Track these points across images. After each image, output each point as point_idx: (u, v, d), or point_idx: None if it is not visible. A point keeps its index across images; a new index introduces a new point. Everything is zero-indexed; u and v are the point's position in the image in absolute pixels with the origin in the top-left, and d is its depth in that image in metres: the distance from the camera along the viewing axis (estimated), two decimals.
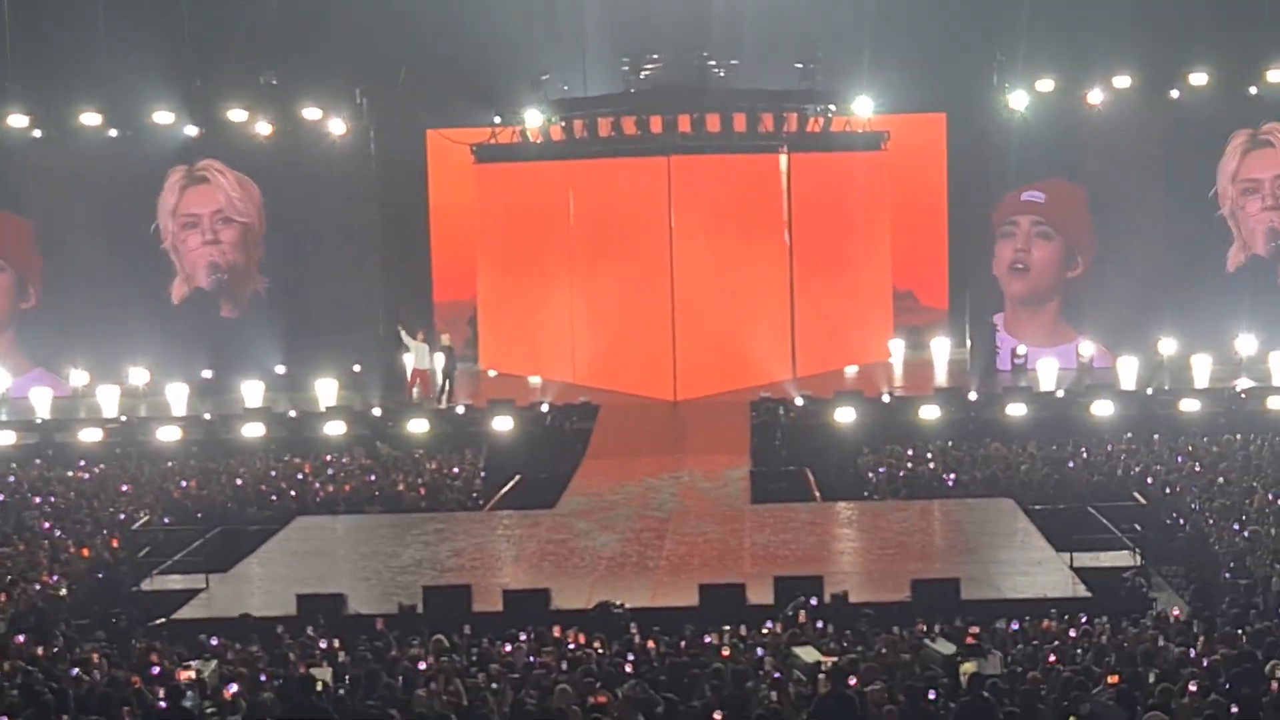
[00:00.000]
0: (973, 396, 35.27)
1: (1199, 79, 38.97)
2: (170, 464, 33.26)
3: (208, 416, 35.94)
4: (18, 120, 40.16)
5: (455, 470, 32.62)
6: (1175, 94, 39.36)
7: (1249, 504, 27.05)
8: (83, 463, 33.46)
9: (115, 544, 27.60)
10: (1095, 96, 39.40)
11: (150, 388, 39.86)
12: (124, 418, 36.20)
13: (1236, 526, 25.80)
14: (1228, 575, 24.41)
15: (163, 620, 23.61)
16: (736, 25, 40.16)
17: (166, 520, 29.72)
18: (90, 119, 40.12)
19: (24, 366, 41.20)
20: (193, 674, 18.10)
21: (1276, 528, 25.45)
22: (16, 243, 41.37)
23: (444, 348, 37.60)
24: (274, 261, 41.09)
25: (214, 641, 20.67)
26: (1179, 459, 30.86)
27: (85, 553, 26.69)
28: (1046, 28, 39.17)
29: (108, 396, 38.23)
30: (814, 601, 22.24)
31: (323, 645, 20.32)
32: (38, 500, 30.36)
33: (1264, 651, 17.94)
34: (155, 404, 38.42)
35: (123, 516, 29.13)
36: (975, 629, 19.94)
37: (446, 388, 37.14)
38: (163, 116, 40.00)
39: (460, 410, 35.70)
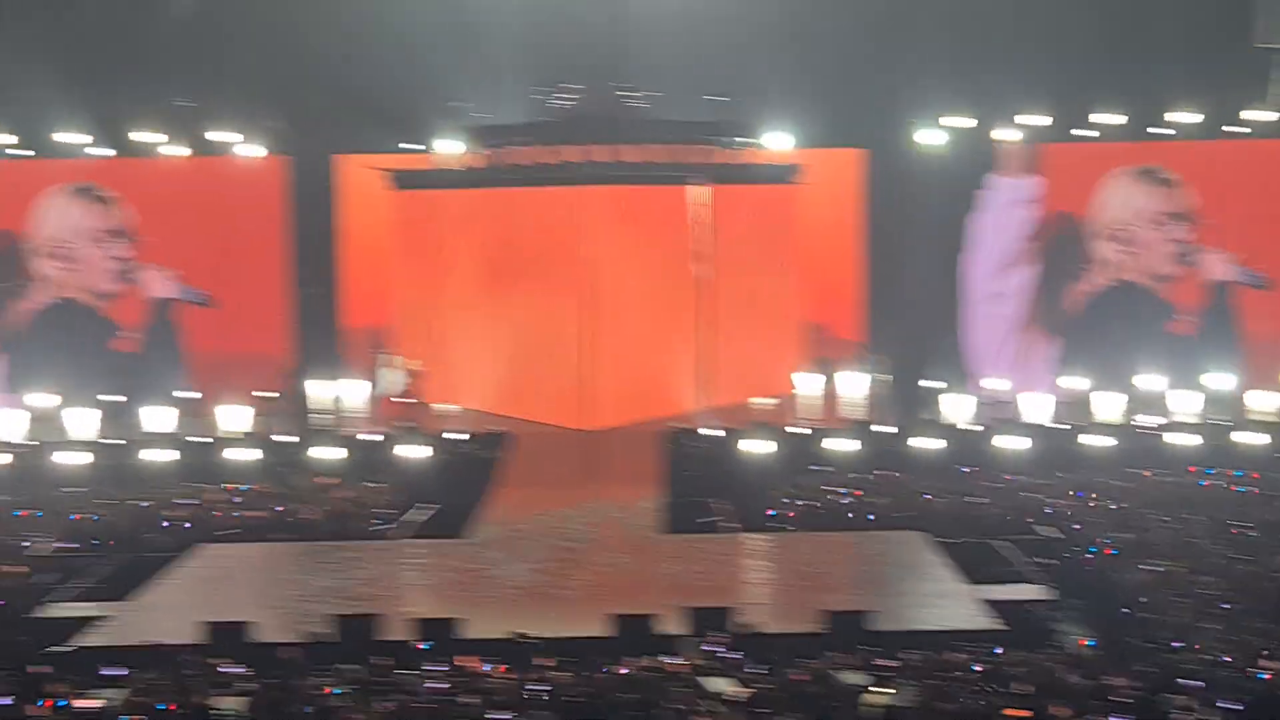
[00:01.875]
0: (884, 429, 35.41)
1: (1108, 118, 39.51)
2: (83, 489, 32.82)
3: (111, 441, 35.50)
4: None
5: (365, 498, 32.38)
6: (1081, 133, 39.93)
7: (1154, 539, 27.29)
8: None
9: (15, 570, 27.18)
10: (1002, 134, 39.86)
11: (55, 410, 39.33)
12: (29, 441, 35.71)
13: (1142, 561, 26.01)
14: (1133, 609, 24.58)
15: (62, 647, 23.25)
16: (654, 57, 40.22)
17: (69, 546, 29.30)
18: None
19: None
20: (94, 703, 17.84)
21: (1181, 562, 25.67)
22: None
23: (409, 370, 37.30)
24: (188, 282, 40.74)
25: (119, 670, 20.37)
26: (1084, 493, 31.10)
27: None
28: (958, 65, 39.56)
29: (12, 420, 37.70)
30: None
31: (230, 673, 20.07)
32: None
33: (1168, 684, 18.10)
34: (59, 428, 37.90)
35: (25, 543, 28.71)
36: (886, 661, 19.96)
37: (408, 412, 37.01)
38: (69, 137, 39.57)
39: (370, 438, 35.45)
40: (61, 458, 34.50)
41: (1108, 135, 39.97)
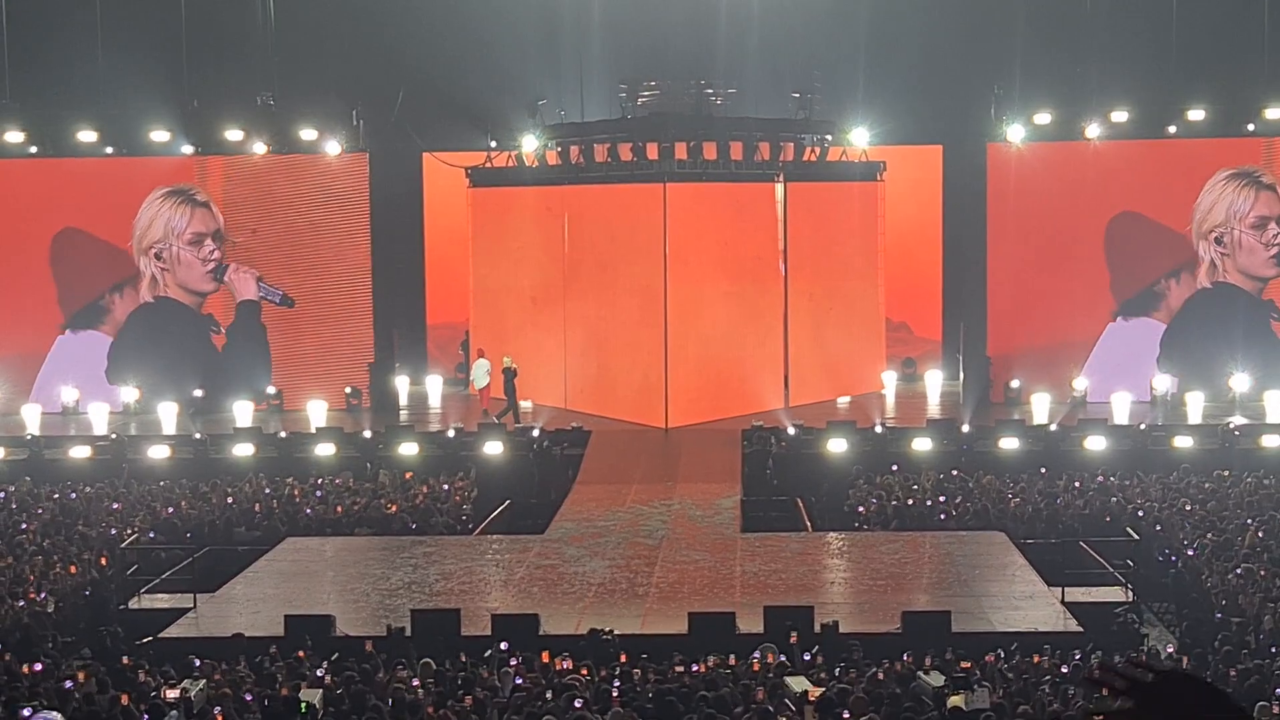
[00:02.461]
0: (965, 429, 35.20)
1: (1196, 114, 39.14)
2: (161, 482, 33.16)
3: (198, 436, 35.85)
4: (14, 136, 40.15)
5: (445, 493, 32.54)
6: (1172, 129, 39.56)
7: (1241, 541, 27.00)
8: (70, 481, 33.35)
9: (104, 562, 27.51)
10: (1093, 131, 39.56)
11: (140, 405, 39.79)
12: (114, 435, 36.10)
13: (1229, 564, 25.74)
14: (1219, 613, 24.35)
15: (149, 639, 23.49)
16: (735, 54, 40.22)
17: (155, 539, 29.61)
18: (87, 136, 40.14)
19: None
20: (178, 693, 18.01)
21: (1268, 566, 25.39)
22: None
23: (506, 369, 37.31)
24: (270, 281, 41.05)
25: (200, 661, 20.57)
26: (1171, 495, 30.79)
27: (73, 570, 26.59)
28: (1044, 61, 39.35)
29: (98, 414, 38.18)
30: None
31: (311, 665, 20.22)
32: (26, 517, 30.26)
33: (1254, 691, 17.89)
34: (145, 422, 38.34)
35: (112, 534, 29.03)
36: (966, 663, 19.85)
37: (510, 408, 36.99)
38: (159, 135, 40.01)
39: (452, 434, 35.61)
40: (151, 451, 34.85)
41: (1199, 132, 39.51)
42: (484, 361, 39.30)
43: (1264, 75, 38.83)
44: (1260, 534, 27.25)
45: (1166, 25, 39.10)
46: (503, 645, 21.45)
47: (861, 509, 31.42)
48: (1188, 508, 29.70)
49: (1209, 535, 27.54)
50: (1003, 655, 21.23)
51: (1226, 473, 32.20)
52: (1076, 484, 31.83)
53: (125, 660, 20.95)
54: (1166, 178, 39.94)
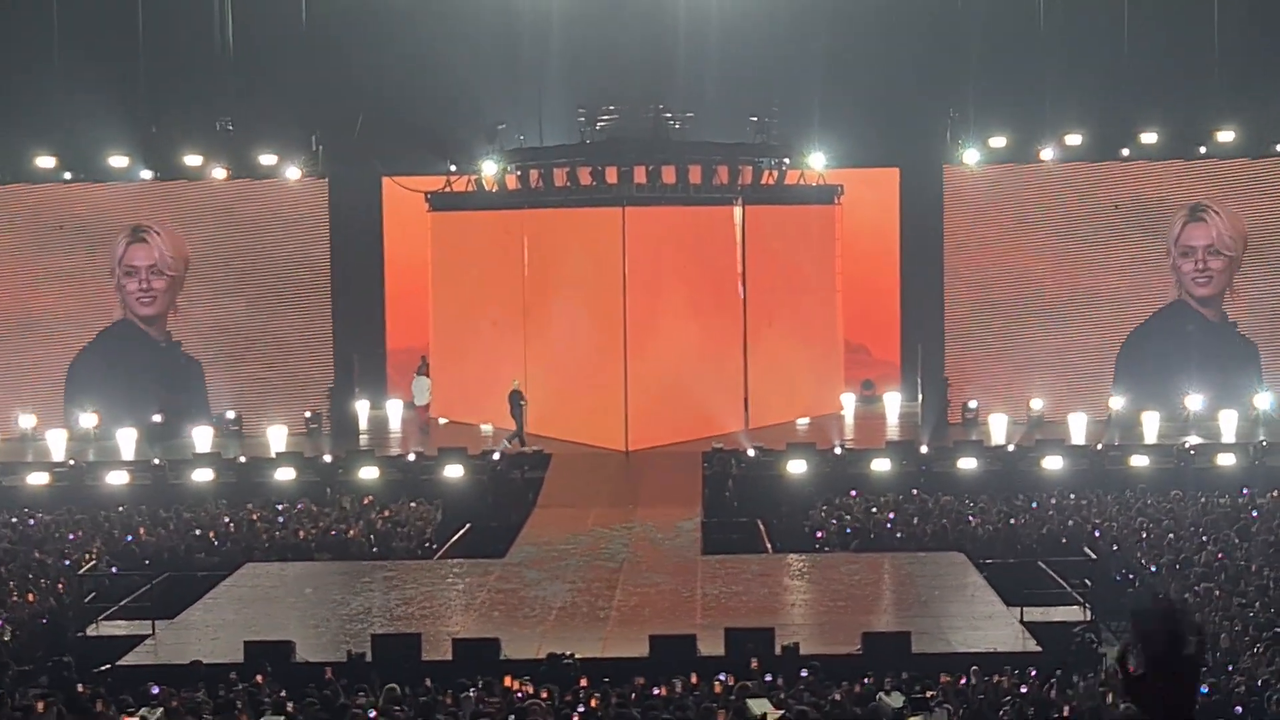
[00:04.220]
0: (924, 449, 35.36)
1: (1149, 137, 39.55)
2: (121, 508, 33.03)
3: (156, 462, 35.73)
4: None
5: (406, 517, 32.51)
6: (1125, 152, 39.97)
7: (1198, 560, 27.18)
8: (27, 509, 33.20)
9: (61, 589, 27.38)
10: (1047, 153, 39.92)
11: (99, 431, 39.66)
12: (71, 462, 35.96)
13: (1186, 583, 25.91)
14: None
15: (108, 666, 23.39)
16: (693, 78, 40.36)
17: (114, 566, 29.50)
18: (45, 162, 40.05)
19: None
20: None
21: (1224, 585, 25.57)
22: None
23: (513, 392, 37.28)
24: (227, 306, 41.03)
25: (158, 689, 20.49)
26: (1128, 514, 30.97)
27: (30, 598, 26.46)
28: (999, 85, 39.66)
29: (55, 440, 38.01)
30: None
31: (271, 692, 20.17)
32: None
33: (1211, 709, 18.01)
34: (103, 449, 38.20)
35: (69, 562, 28.91)
36: (930, 692, 19.90)
37: (518, 432, 36.96)
38: (117, 161, 39.95)
39: (412, 458, 35.60)
40: (110, 478, 34.72)
41: (1152, 155, 39.93)
42: (424, 379, 39.75)
43: (1216, 98, 39.21)
44: (1218, 553, 27.42)
45: (1119, 49, 39.44)
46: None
47: (821, 531, 31.51)
48: (1145, 527, 29.88)
49: (1166, 554, 27.72)
50: (962, 676, 21.31)
51: (1177, 492, 32.41)
52: (1034, 504, 32.00)
53: (82, 688, 20.86)
54: (1121, 199, 40.35)
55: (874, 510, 32.11)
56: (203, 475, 34.82)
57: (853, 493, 33.23)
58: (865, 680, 20.81)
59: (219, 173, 40.42)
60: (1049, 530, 30.40)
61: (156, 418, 39.68)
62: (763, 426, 37.70)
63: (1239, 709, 18.38)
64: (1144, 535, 29.26)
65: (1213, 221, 40.29)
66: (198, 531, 31.33)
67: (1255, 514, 30.60)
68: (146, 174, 40.59)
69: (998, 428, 37.82)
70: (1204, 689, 19.78)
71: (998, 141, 39.92)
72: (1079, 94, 39.37)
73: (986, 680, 21.02)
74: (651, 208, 37.45)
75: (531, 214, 38.85)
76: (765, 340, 38.88)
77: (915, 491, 33.29)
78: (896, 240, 42.70)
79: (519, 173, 39.23)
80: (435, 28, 40.25)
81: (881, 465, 34.42)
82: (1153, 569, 27.38)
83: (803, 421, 39.36)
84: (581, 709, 19.02)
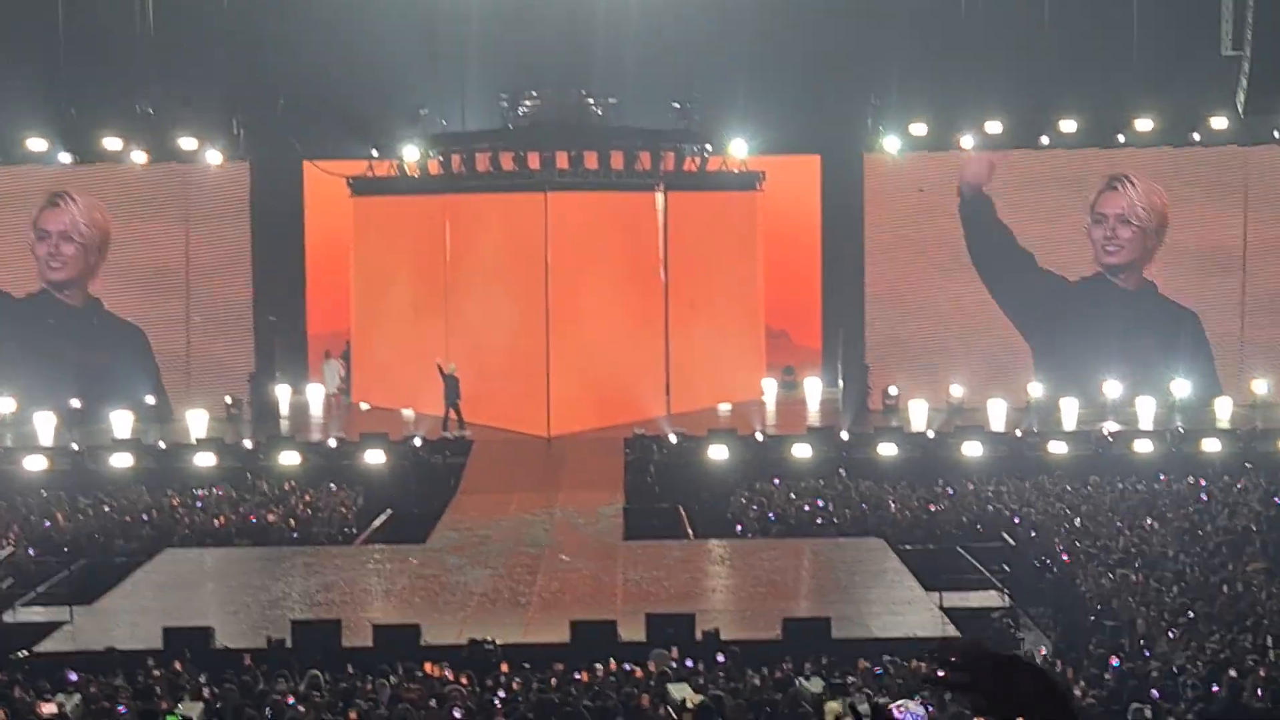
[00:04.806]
0: (844, 435, 35.54)
1: (1068, 125, 39.89)
2: (44, 493, 32.73)
3: (75, 447, 35.41)
4: None
5: (326, 502, 32.39)
6: (1045, 140, 40.30)
7: (1115, 546, 27.48)
8: None
9: None
10: (967, 141, 40.21)
11: (16, 416, 39.26)
12: None
13: (1103, 568, 26.20)
14: (1094, 617, 24.76)
15: (25, 653, 23.21)
16: (616, 64, 40.34)
17: (31, 552, 29.24)
18: None
19: None
20: (54, 708, 17.83)
21: (1141, 570, 25.86)
22: None
23: (446, 376, 36.99)
24: (147, 291, 40.74)
25: (76, 676, 20.36)
26: (1046, 500, 31.25)
27: None
28: (919, 72, 39.86)
29: None
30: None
31: (190, 678, 20.08)
32: None
33: (1127, 693, 18.22)
34: (21, 433, 37.83)
35: None
36: (849, 677, 20.04)
37: (454, 416, 36.67)
38: (35, 144, 39.55)
39: (333, 443, 35.45)
40: (27, 463, 34.38)
41: (1070, 143, 40.31)
42: (333, 363, 40.19)
43: (1134, 86, 39.58)
44: (1135, 539, 27.73)
45: (1040, 36, 39.72)
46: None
47: (742, 516, 31.62)
48: (1063, 513, 30.17)
49: (1083, 540, 28.00)
50: (879, 661, 21.47)
51: (1096, 478, 32.73)
52: (953, 490, 32.23)
53: None
54: (1038, 186, 40.81)
55: (794, 496, 32.25)
56: (122, 460, 34.54)
57: (775, 483, 33.30)
58: (785, 665, 20.93)
59: (139, 156, 40.08)
60: (968, 516, 30.65)
61: (75, 403, 39.28)
62: (684, 412, 37.76)
63: (1155, 693, 18.59)
64: (1061, 521, 29.53)
65: (1125, 191, 40.77)
66: (115, 516, 31.08)
67: (1171, 500, 30.98)
68: (65, 157, 40.19)
69: (918, 414, 38.03)
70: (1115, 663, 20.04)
71: (918, 129, 40.14)
72: (999, 81, 39.62)
73: (904, 665, 21.19)
74: (574, 193, 37.43)
75: (454, 199, 38.75)
76: (687, 326, 38.94)
77: (838, 475, 33.43)
78: (818, 227, 42.82)
79: (441, 157, 39.11)
80: (357, 11, 40.04)
81: (802, 451, 34.57)
82: (1064, 557, 27.65)
83: (724, 407, 39.45)
84: (502, 694, 19.04)
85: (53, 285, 41.05)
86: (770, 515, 31.37)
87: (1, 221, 40.76)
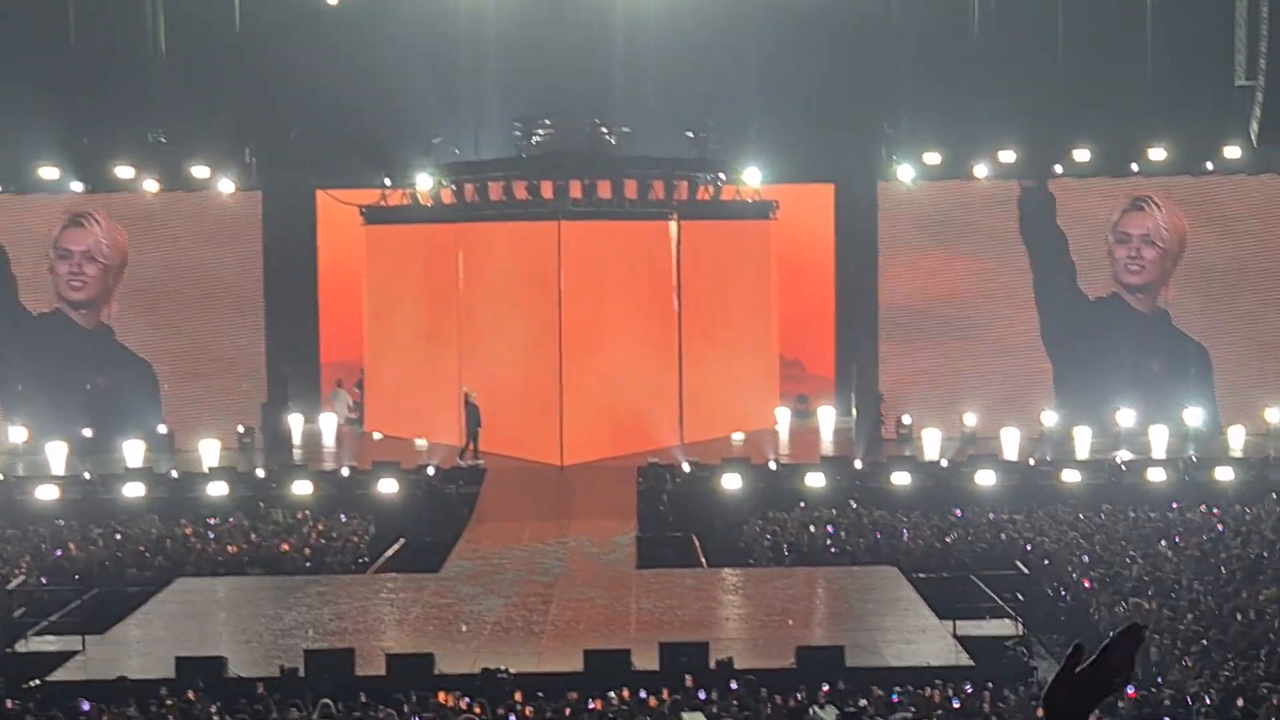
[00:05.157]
0: (858, 464, 35.49)
1: (1081, 154, 39.90)
2: (59, 522, 32.73)
3: (87, 476, 35.42)
4: None
5: (339, 531, 32.36)
6: (1059, 169, 40.32)
7: (1128, 574, 27.39)
8: None
9: None
10: (980, 170, 40.22)
11: (28, 445, 39.29)
12: (0, 476, 35.59)
13: (1116, 596, 26.11)
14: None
15: (37, 682, 23.18)
16: (629, 93, 40.40)
17: (43, 581, 29.23)
18: None
19: None
20: None
21: (1154, 598, 25.77)
22: None
23: (468, 403, 36.96)
24: (160, 319, 40.80)
25: (88, 705, 20.33)
26: (1060, 529, 31.17)
27: None
28: (933, 101, 39.90)
29: None
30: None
31: (204, 708, 20.06)
32: None
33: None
34: (34, 463, 37.84)
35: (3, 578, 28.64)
36: (863, 702, 20.00)
37: (471, 445, 36.64)
38: (48, 172, 39.66)
39: (346, 472, 35.44)
40: (39, 492, 34.38)
41: (1084, 172, 40.30)
42: (341, 392, 40.88)
43: (1148, 115, 39.59)
44: (1149, 567, 27.63)
45: (1053, 65, 39.74)
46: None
47: (756, 544, 31.55)
48: (1076, 541, 30.09)
49: (1096, 568, 27.92)
50: (894, 689, 21.41)
51: (1109, 507, 32.66)
52: (967, 519, 32.16)
53: (11, 704, 20.68)
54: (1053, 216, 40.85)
55: (813, 528, 32.17)
56: (134, 490, 34.52)
57: (801, 506, 33.24)
58: (799, 694, 20.87)
59: (151, 185, 40.18)
60: (982, 545, 30.57)
61: (87, 432, 39.33)
62: (698, 441, 37.72)
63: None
64: (1075, 550, 29.44)
65: (1151, 212, 40.77)
66: (128, 545, 31.06)
67: (1184, 529, 30.90)
68: (78, 185, 40.30)
69: (931, 443, 37.95)
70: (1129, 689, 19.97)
71: (932, 158, 40.14)
72: (1013, 110, 39.65)
73: (919, 693, 21.14)
74: (587, 222, 37.46)
75: (467, 228, 38.78)
76: (701, 355, 38.92)
77: (851, 505, 33.36)
78: (831, 256, 42.82)
79: (454, 186, 39.16)
80: (370, 40, 40.10)
81: (816, 480, 34.50)
82: (1085, 583, 27.56)
83: (738, 436, 39.38)
84: None
85: (70, 304, 41.09)
86: (784, 544, 31.29)
87: (15, 249, 40.83)
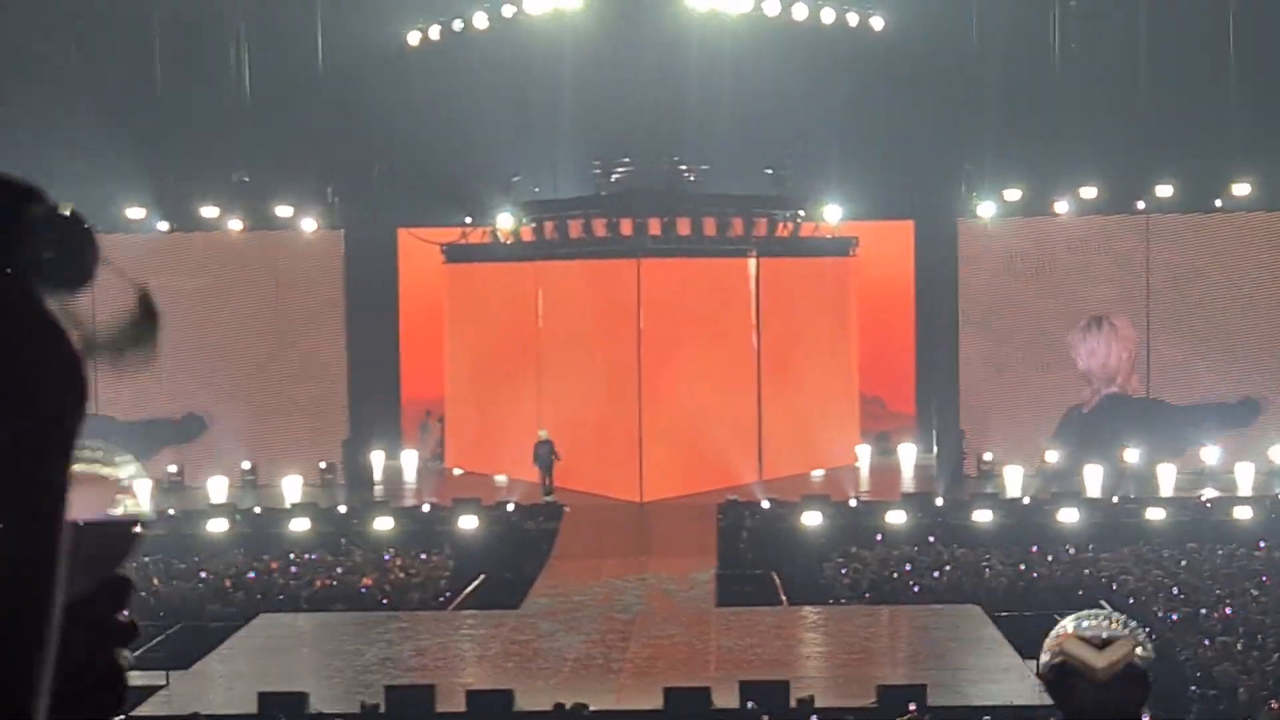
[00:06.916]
0: (939, 502, 35.30)
1: (1164, 190, 39.58)
2: (145, 558, 32.99)
3: (172, 512, 35.70)
4: None
5: (420, 568, 32.48)
6: (1141, 205, 39.99)
7: (1215, 614, 27.08)
8: None
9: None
10: (1062, 207, 39.98)
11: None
12: None
13: (1202, 636, 25.81)
14: (1194, 685, 24.39)
15: (121, 719, 23.32)
16: (708, 131, 40.48)
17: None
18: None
19: None
20: None
21: (1242, 638, 25.47)
22: None
23: (542, 441, 37.17)
24: (245, 357, 41.11)
25: None
26: (1144, 567, 30.89)
27: None
28: (1014, 137, 39.75)
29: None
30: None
31: None
32: None
33: None
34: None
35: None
36: None
37: (545, 480, 36.88)
38: (134, 212, 40.12)
39: (426, 509, 35.59)
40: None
41: (1167, 208, 39.95)
42: (430, 425, 41.63)
43: (1231, 151, 39.26)
44: (1235, 606, 27.32)
45: (1136, 101, 39.53)
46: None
47: (836, 582, 31.42)
48: (1161, 580, 29.79)
49: (1182, 607, 27.62)
50: None
51: (1194, 545, 32.33)
52: (1049, 556, 31.91)
53: None
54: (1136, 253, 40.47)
55: (891, 565, 32.02)
56: (218, 526, 34.82)
57: (879, 539, 33.11)
58: None
59: (235, 224, 40.60)
60: (1064, 583, 30.32)
61: (172, 468, 39.65)
62: (777, 478, 37.64)
63: None
64: (1160, 588, 29.15)
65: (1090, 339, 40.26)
66: (212, 580, 31.28)
67: (1271, 568, 30.51)
68: (163, 225, 40.74)
69: (1013, 480, 37.69)
70: None
71: (1013, 194, 39.96)
72: (1095, 147, 39.40)
73: None
74: (666, 259, 37.56)
75: (546, 265, 38.96)
76: (780, 392, 38.87)
77: (932, 542, 33.18)
78: (911, 292, 42.70)
79: (534, 224, 39.36)
80: (450, 80, 40.43)
81: (897, 517, 34.35)
82: (1170, 619, 27.27)
83: (818, 473, 39.29)
84: None
85: None
86: (865, 581, 31.15)
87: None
